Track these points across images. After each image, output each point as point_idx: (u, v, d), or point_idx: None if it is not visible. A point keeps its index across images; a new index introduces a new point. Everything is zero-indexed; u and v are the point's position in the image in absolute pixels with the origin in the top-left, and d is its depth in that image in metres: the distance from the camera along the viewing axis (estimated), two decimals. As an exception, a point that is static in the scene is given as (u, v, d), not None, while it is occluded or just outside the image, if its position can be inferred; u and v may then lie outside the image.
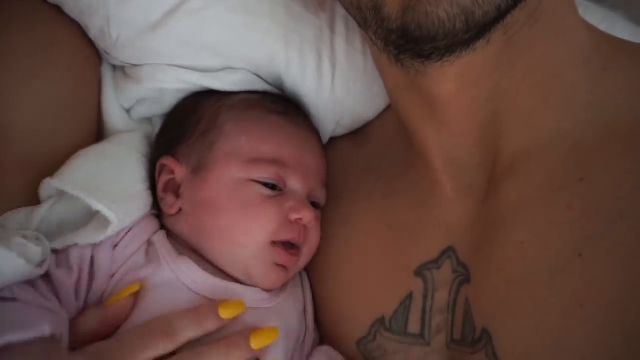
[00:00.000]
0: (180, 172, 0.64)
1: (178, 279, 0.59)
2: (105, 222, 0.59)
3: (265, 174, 0.62)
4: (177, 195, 0.64)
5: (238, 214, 0.61)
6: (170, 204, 0.64)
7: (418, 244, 0.61)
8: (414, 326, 0.59)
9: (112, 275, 0.59)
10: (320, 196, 0.67)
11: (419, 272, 0.60)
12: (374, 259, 0.64)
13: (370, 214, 0.66)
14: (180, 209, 0.64)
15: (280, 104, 0.68)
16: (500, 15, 0.48)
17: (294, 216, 0.62)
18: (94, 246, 0.59)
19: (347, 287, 0.65)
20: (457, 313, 0.56)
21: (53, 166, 0.63)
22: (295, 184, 0.63)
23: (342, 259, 0.66)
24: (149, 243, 0.62)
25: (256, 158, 0.62)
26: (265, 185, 0.62)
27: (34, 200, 0.62)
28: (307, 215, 0.62)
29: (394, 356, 0.59)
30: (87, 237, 0.59)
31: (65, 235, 0.60)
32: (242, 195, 0.61)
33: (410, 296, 0.59)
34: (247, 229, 0.61)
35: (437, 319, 0.58)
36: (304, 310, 0.67)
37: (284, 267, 0.62)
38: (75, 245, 0.58)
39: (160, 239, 0.62)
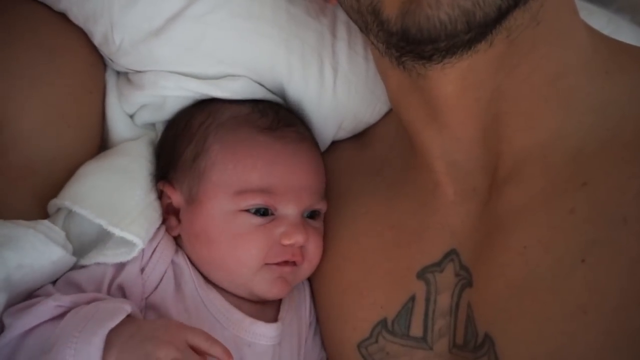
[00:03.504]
0: (176, 197, 0.65)
1: (206, 308, 0.62)
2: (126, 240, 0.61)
3: (254, 203, 0.62)
4: (178, 218, 0.65)
5: (229, 245, 0.62)
6: (171, 227, 0.65)
7: (421, 246, 0.61)
8: (416, 329, 0.58)
9: (145, 299, 0.61)
10: (320, 207, 0.67)
11: (421, 275, 0.59)
12: (376, 260, 0.64)
13: (372, 215, 0.66)
14: (179, 235, 0.66)
15: (269, 116, 0.67)
16: (501, 15, 0.48)
17: (285, 242, 0.62)
18: (119, 267, 0.61)
19: (348, 288, 0.65)
20: (459, 317, 0.56)
21: (57, 172, 0.63)
22: (286, 207, 0.63)
23: (343, 260, 0.66)
24: (173, 263, 0.64)
25: (244, 189, 0.62)
26: (256, 212, 0.63)
27: (38, 206, 0.63)
28: (300, 239, 0.63)
29: (396, 359, 0.59)
30: (115, 256, 0.61)
31: (90, 252, 0.61)
32: (232, 227, 0.62)
33: (412, 299, 0.59)
34: (238, 258, 0.62)
35: (439, 323, 0.57)
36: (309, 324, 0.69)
37: (284, 278, 0.64)
38: (99, 263, 0.61)
39: (184, 262, 0.64)
